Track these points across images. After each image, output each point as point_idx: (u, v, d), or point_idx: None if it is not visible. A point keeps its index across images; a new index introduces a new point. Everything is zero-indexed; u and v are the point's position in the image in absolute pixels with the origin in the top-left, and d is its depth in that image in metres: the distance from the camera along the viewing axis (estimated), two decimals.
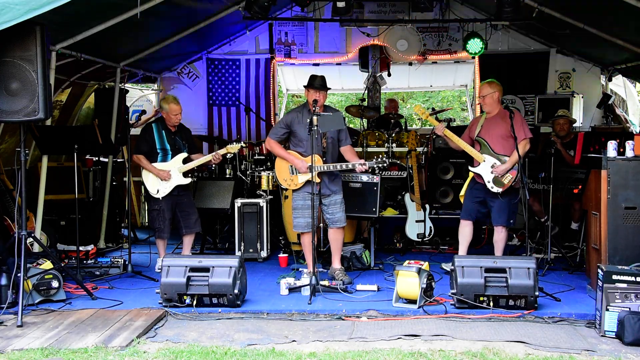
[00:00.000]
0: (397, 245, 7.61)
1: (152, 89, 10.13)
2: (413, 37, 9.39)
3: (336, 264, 6.11)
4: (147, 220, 8.22)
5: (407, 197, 7.43)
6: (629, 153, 5.28)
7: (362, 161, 5.89)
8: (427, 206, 7.48)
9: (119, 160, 8.69)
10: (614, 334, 4.46)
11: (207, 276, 5.10)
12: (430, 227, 7.40)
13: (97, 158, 8.17)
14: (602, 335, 4.50)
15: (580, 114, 9.25)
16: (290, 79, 11.48)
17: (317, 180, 5.74)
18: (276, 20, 9.39)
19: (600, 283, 4.62)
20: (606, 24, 6.98)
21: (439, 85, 12.74)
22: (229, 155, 6.69)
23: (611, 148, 5.27)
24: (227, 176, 7.79)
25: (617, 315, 4.44)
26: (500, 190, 5.94)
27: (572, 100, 8.96)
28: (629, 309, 4.43)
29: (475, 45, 8.76)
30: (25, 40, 4.74)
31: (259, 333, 4.62)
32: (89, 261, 6.49)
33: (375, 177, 6.55)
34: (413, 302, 5.10)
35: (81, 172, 7.25)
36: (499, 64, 9.21)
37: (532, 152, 7.14)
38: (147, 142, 6.33)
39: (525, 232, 6.09)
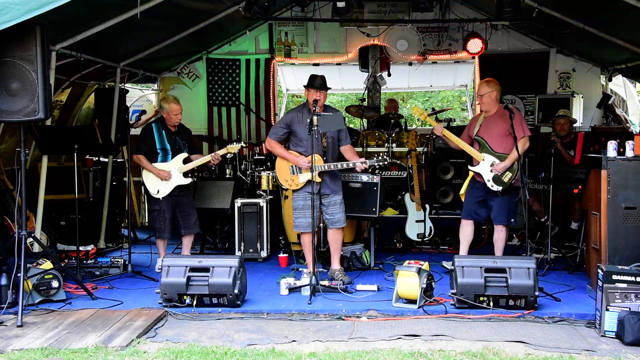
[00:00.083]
0: (397, 245, 7.61)
1: (152, 89, 10.13)
2: (413, 37, 9.38)
3: (335, 264, 6.10)
4: (147, 220, 8.22)
5: (407, 197, 7.44)
6: (629, 153, 5.28)
7: (363, 159, 5.90)
8: (427, 206, 7.48)
9: (119, 160, 8.69)
10: (614, 334, 4.46)
11: (207, 276, 5.10)
12: (430, 227, 7.40)
13: (97, 158, 8.17)
14: (602, 335, 4.50)
15: (580, 114, 9.24)
16: (290, 79, 11.48)
17: (318, 179, 5.74)
18: (276, 20, 9.39)
19: (600, 283, 4.62)
20: (606, 24, 6.98)
21: (439, 85, 12.73)
22: (228, 155, 6.69)
23: (611, 148, 5.27)
24: (227, 176, 7.79)
25: (617, 315, 4.44)
26: (500, 188, 5.95)
27: (572, 100, 8.95)
28: (629, 309, 4.43)
29: (475, 45, 8.76)
30: (25, 40, 4.74)
31: (259, 333, 4.62)
32: (89, 261, 6.49)
33: (375, 177, 6.56)
34: (413, 302, 5.10)
35: (81, 172, 7.26)
36: (499, 64, 9.20)
37: (532, 152, 7.15)
38: (147, 142, 6.33)
39: (525, 232, 6.09)
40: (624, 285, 4.53)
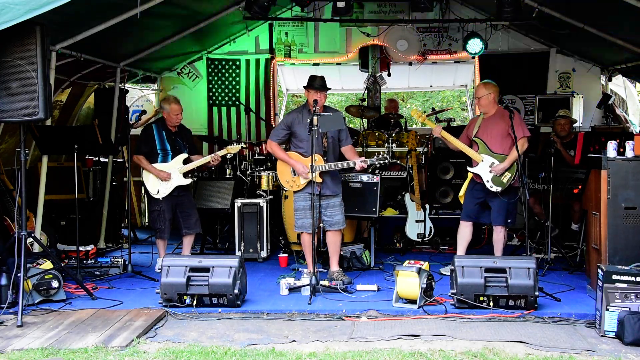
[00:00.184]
0: (397, 245, 7.61)
1: (152, 89, 10.14)
2: (413, 37, 9.39)
3: (334, 266, 6.10)
4: (147, 221, 8.22)
5: (407, 197, 7.44)
6: (629, 153, 5.28)
7: (363, 158, 5.90)
8: (427, 206, 7.48)
9: (119, 160, 8.69)
10: (614, 334, 4.46)
11: (207, 276, 5.10)
12: (430, 227, 7.40)
13: (97, 158, 8.17)
14: (602, 335, 4.50)
15: (580, 114, 9.24)
16: (290, 79, 11.48)
17: (319, 180, 5.74)
18: (276, 20, 9.39)
19: (600, 283, 4.62)
20: (606, 24, 6.98)
21: (439, 85, 12.73)
22: (228, 155, 6.69)
23: (611, 148, 5.27)
24: (227, 176, 7.79)
25: (617, 315, 4.44)
26: (499, 189, 5.94)
27: (572, 100, 8.95)
28: (629, 309, 4.44)
29: (475, 45, 8.75)
30: (25, 40, 4.74)
31: (259, 333, 4.62)
32: (89, 261, 6.49)
33: (375, 177, 6.56)
34: (413, 302, 5.10)
35: (81, 172, 7.26)
36: (499, 64, 9.21)
37: (532, 152, 7.15)
38: (148, 143, 6.33)
39: (525, 232, 6.09)
40: (624, 285, 4.53)
